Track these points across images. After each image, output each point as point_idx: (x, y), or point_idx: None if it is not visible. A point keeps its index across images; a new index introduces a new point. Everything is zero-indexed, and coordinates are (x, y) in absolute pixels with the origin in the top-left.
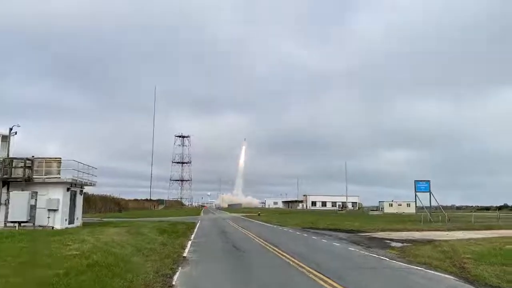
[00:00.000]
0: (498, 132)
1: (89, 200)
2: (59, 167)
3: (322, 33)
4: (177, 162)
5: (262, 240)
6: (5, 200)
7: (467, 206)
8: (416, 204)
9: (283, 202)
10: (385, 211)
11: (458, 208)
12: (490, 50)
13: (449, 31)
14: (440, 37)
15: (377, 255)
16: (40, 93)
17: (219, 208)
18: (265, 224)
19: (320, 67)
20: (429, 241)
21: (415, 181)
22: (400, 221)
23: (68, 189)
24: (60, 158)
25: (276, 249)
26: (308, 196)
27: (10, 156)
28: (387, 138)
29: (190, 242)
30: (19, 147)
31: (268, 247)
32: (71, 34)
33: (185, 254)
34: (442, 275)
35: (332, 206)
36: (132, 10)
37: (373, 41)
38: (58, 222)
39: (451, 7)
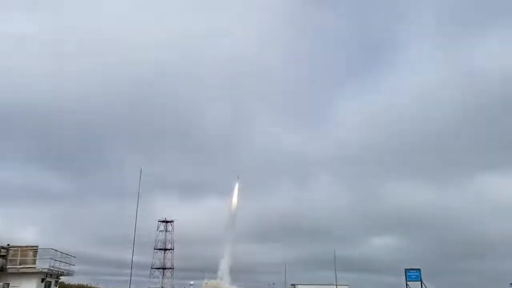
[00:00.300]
0: (488, 217)
1: None
2: (35, 256)
3: (309, 118)
4: (159, 249)
5: None
6: None
7: None
8: None
9: None
10: None
11: None
12: (477, 136)
13: (435, 116)
14: (428, 121)
15: None
16: (19, 176)
17: None
18: None
19: (307, 152)
20: None
21: (406, 269)
22: None
23: (42, 280)
24: (37, 247)
25: None
26: (296, 286)
27: None
28: (377, 224)
29: None
30: None
31: None
32: (53, 115)
33: None
34: None
35: None
36: (117, 91)
37: (361, 128)
38: None
39: (437, 96)
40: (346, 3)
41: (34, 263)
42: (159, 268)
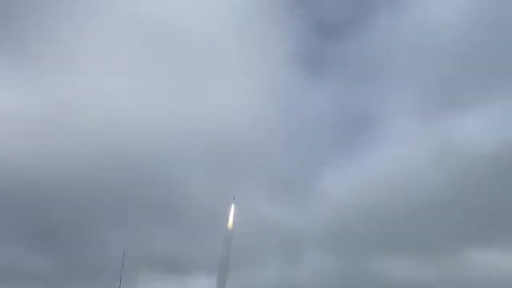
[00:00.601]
0: None
1: None
2: None
3: (296, 191)
4: None
5: None
6: None
7: None
8: None
9: None
10: None
11: None
12: (469, 210)
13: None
14: (418, 195)
15: None
16: None
17: None
18: None
19: (295, 227)
20: None
21: None
22: None
23: None
24: None
25: None
26: None
27: None
28: None
29: None
30: None
31: None
32: (29, 187)
33: None
34: None
35: None
36: (100, 167)
37: (350, 201)
38: None
39: (424, 173)
40: (332, 78)
41: None
42: None
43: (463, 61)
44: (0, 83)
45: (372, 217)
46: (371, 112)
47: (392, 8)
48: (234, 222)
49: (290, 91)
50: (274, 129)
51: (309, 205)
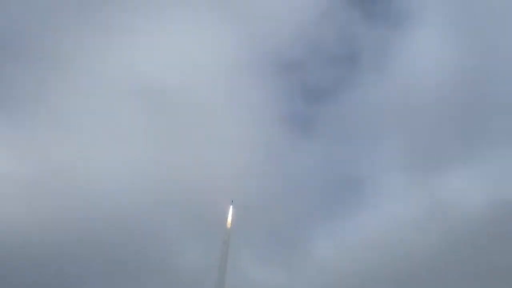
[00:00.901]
0: None
1: None
2: None
3: (286, 254)
4: None
5: None
6: None
7: None
8: None
9: None
10: None
11: None
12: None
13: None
14: (407, 255)
15: None
16: None
17: None
18: None
19: None
20: None
21: None
22: None
23: None
24: None
25: None
26: None
27: None
28: None
29: None
30: None
31: None
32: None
33: None
34: None
35: None
36: (92, 230)
37: (337, 264)
38: None
39: (416, 233)
40: (320, 139)
41: None
42: None
43: (450, 120)
44: None
45: (364, 279)
46: (360, 173)
47: (377, 70)
48: (232, 221)
49: (278, 152)
50: (261, 191)
51: (299, 268)
